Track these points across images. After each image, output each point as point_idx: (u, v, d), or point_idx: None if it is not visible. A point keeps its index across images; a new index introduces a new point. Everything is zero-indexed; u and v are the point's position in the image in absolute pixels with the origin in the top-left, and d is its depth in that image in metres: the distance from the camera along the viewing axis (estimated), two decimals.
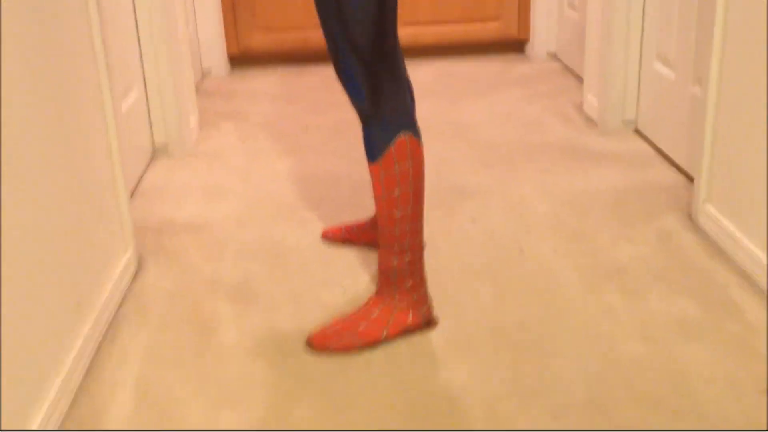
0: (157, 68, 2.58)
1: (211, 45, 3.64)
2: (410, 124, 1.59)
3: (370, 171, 1.61)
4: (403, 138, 1.57)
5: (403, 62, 1.65)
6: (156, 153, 2.69)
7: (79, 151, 1.65)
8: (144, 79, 2.61)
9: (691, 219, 2.08)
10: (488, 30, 3.78)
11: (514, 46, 3.87)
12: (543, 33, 3.71)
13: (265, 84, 3.55)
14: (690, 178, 2.31)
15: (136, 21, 2.54)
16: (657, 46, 2.54)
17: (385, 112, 1.56)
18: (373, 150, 1.58)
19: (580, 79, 3.34)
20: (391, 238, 1.63)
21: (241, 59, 3.81)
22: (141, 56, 2.58)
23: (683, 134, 2.37)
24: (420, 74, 3.56)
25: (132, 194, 2.37)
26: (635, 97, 2.71)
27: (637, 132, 2.72)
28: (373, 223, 1.99)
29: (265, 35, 3.73)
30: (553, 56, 3.73)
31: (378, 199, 1.61)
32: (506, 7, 3.74)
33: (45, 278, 1.44)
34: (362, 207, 2.21)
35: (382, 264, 1.66)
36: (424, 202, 1.65)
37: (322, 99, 3.25)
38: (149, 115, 2.64)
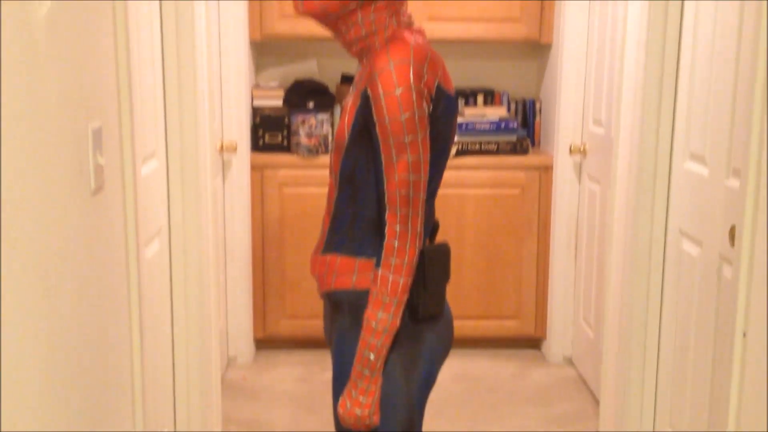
0: (189, 411, 2.68)
1: (238, 334, 3.77)
2: None
3: None
4: None
5: None
6: None
7: None
8: (174, 413, 2.70)
9: None
10: (506, 327, 3.91)
11: (532, 342, 3.99)
12: (559, 336, 3.84)
13: (288, 377, 3.65)
14: None
15: (173, 341, 2.66)
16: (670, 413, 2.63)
17: None
18: None
19: (594, 398, 3.42)
20: None
21: (266, 342, 3.94)
22: (174, 395, 2.68)
23: None
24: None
25: None
26: None
27: None
28: None
29: (290, 321, 3.87)
30: (569, 361, 3.83)
31: None
32: (524, 307, 3.89)
33: None
34: None
35: None
36: None
37: None
38: None
